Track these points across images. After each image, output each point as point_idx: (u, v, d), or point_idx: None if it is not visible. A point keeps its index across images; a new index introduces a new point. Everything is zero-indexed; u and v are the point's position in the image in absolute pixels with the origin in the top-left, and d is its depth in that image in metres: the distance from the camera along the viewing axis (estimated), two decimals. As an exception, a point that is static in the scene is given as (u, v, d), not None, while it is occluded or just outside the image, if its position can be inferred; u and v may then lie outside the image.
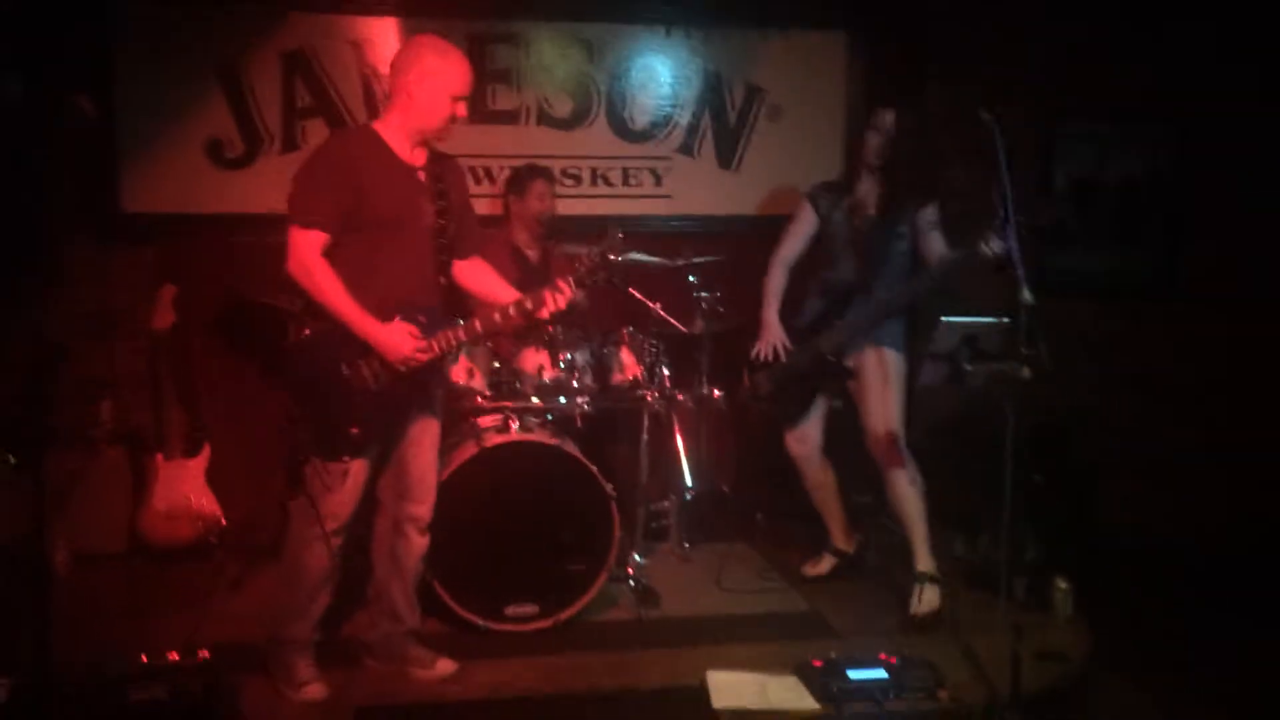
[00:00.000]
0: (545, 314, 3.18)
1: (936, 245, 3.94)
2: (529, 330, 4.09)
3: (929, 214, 3.97)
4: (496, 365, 4.10)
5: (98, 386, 4.65)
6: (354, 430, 3.13)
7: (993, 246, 3.60)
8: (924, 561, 3.97)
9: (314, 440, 3.21)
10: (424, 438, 3.37)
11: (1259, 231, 5.17)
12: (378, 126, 3.23)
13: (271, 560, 4.21)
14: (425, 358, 3.13)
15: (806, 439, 4.26)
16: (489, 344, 4.10)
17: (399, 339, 3.09)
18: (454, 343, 3.19)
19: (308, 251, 3.05)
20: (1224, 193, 5.28)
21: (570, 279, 3.16)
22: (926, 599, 3.91)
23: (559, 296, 3.14)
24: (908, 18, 5.25)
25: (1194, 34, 5.15)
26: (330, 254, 3.08)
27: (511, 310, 3.19)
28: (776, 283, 4.23)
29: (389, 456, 3.35)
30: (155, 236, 4.84)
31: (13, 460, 4.19)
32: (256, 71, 4.89)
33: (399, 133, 3.20)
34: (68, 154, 4.59)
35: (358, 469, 3.20)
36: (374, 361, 3.12)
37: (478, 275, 3.43)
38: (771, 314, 4.20)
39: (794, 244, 4.23)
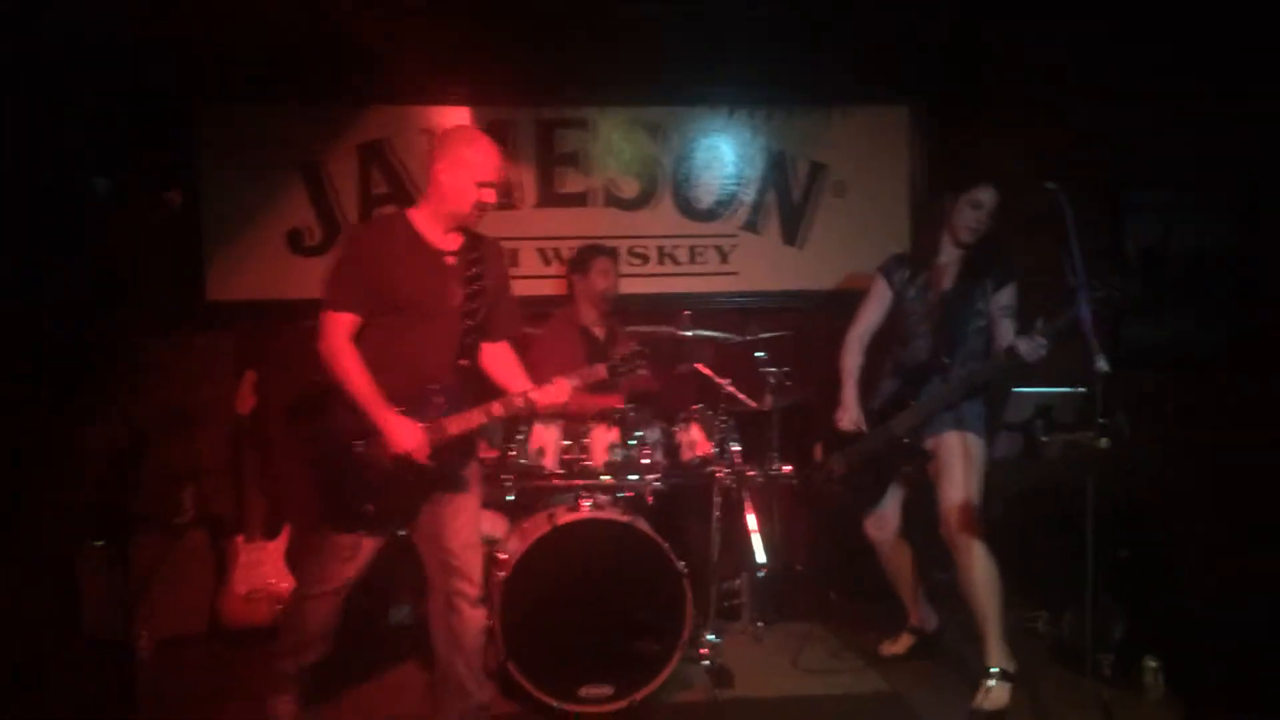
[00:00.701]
0: (540, 405, 3.33)
1: (1006, 333, 3.87)
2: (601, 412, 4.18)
3: (1006, 297, 3.91)
4: (567, 443, 4.13)
5: (180, 473, 4.77)
6: (369, 507, 3.24)
7: (1023, 349, 3.60)
8: (995, 655, 3.82)
9: (328, 512, 3.34)
10: (459, 516, 3.40)
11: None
12: (411, 212, 3.38)
13: (347, 645, 4.28)
14: (423, 459, 3.20)
15: (885, 524, 4.18)
16: (560, 422, 4.14)
17: (404, 434, 3.18)
18: (472, 425, 3.28)
19: (336, 334, 3.22)
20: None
21: (572, 377, 3.31)
22: (994, 696, 3.75)
23: (557, 392, 3.29)
24: (971, 91, 5.28)
25: (1264, 98, 5.10)
26: (359, 333, 3.24)
27: (518, 400, 3.31)
28: (853, 360, 4.17)
29: (424, 534, 3.40)
30: (237, 323, 5.01)
31: (100, 544, 4.34)
32: (335, 163, 5.08)
33: (431, 218, 3.34)
34: (155, 247, 4.77)
35: (368, 546, 3.33)
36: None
37: (498, 360, 3.50)
38: (850, 393, 4.14)
39: (869, 318, 4.19)
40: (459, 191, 3.27)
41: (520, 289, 5.09)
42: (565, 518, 3.84)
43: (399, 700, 3.92)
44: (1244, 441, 5.01)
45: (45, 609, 4.22)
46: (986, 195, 3.90)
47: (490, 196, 3.30)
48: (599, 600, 3.79)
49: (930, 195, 5.18)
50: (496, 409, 3.29)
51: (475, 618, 3.41)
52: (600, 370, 3.33)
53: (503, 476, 4.07)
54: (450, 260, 3.34)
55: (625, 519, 3.89)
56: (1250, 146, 5.09)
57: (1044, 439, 4.41)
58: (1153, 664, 3.88)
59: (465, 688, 3.44)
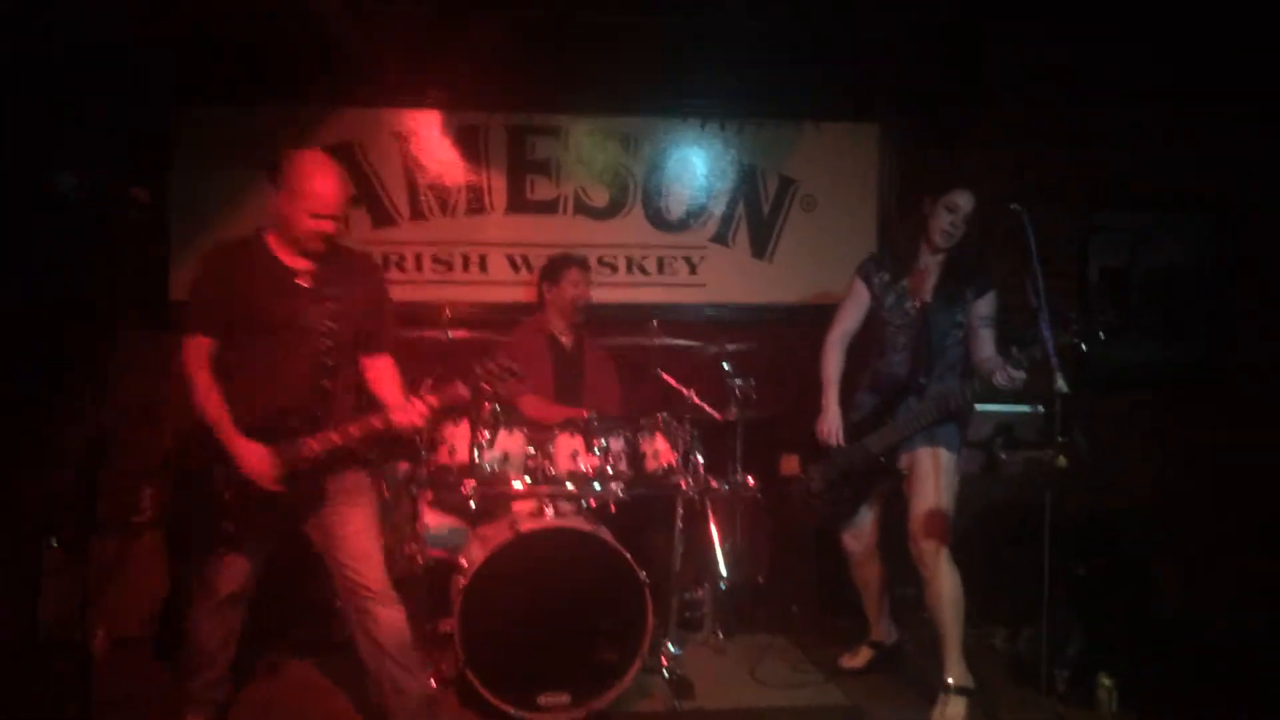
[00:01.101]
0: (397, 427, 3.30)
1: (986, 346, 3.86)
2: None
3: (985, 306, 3.88)
4: (531, 451, 4.12)
5: (141, 473, 4.71)
6: (228, 525, 3.24)
7: (1000, 380, 3.62)
8: (953, 671, 3.82)
9: (194, 531, 3.33)
10: (346, 527, 3.36)
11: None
12: (269, 235, 3.36)
13: (311, 645, 4.24)
14: (270, 484, 3.20)
15: (862, 536, 4.18)
16: (524, 429, 4.13)
17: (251, 459, 3.19)
18: (328, 447, 3.25)
19: (191, 357, 3.25)
20: (1272, 277, 5.29)
21: (431, 395, 3.29)
22: (950, 712, 3.77)
23: (413, 412, 3.28)
24: (942, 109, 5.32)
25: (1237, 117, 5.19)
26: (218, 357, 3.26)
27: (376, 422, 3.29)
28: (834, 366, 4.12)
29: (322, 552, 3.39)
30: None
31: (55, 544, 4.27)
32: (304, 164, 5.04)
33: (283, 241, 3.33)
34: (121, 247, 4.72)
35: (238, 563, 3.34)
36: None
37: (379, 376, 3.48)
38: (831, 400, 4.09)
39: (847, 321, 4.14)
40: (296, 221, 3.26)
41: (489, 295, 5.17)
42: (528, 525, 3.83)
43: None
44: (1214, 457, 5.10)
45: (6, 609, 4.17)
46: (964, 199, 3.87)
47: (328, 227, 3.28)
48: (560, 608, 3.77)
49: (900, 210, 5.22)
50: (354, 430, 3.27)
51: (391, 617, 3.37)
52: (460, 389, 3.30)
53: (465, 483, 4.05)
54: (303, 282, 3.31)
55: (588, 528, 3.88)
56: (1225, 162, 5.18)
57: (1003, 456, 4.47)
58: (1107, 682, 3.91)
59: (400, 686, 3.38)
